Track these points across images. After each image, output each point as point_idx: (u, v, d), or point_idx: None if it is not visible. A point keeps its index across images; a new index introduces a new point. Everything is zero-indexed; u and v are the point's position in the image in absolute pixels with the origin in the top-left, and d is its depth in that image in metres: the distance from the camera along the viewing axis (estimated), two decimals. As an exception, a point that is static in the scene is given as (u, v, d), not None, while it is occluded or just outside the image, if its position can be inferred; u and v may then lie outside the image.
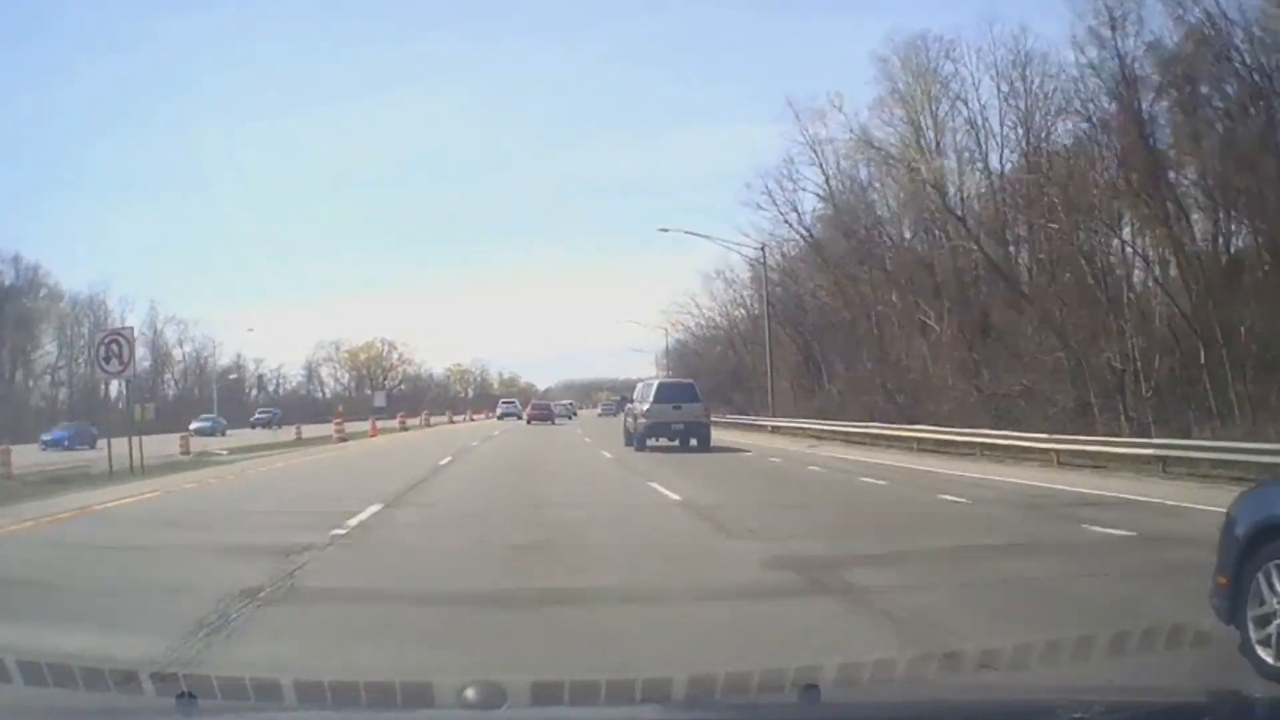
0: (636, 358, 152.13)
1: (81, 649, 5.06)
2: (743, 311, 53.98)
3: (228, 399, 72.92)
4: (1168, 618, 5.61)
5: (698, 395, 26.92)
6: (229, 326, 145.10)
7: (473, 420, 71.32)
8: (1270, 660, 4.58)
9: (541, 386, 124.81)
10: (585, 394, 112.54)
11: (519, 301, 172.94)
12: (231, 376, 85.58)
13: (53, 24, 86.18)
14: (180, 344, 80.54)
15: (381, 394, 74.41)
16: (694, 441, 25.28)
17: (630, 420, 27.78)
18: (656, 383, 28.60)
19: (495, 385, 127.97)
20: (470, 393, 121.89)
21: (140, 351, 67.60)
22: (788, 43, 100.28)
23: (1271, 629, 4.61)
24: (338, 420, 38.78)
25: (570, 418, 66.27)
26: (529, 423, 55.44)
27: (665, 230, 43.19)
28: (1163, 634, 5.04)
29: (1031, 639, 5.00)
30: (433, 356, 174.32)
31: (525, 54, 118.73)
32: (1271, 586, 4.69)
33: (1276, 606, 4.63)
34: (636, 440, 25.80)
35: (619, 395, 63.09)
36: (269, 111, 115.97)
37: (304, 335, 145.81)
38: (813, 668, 4.31)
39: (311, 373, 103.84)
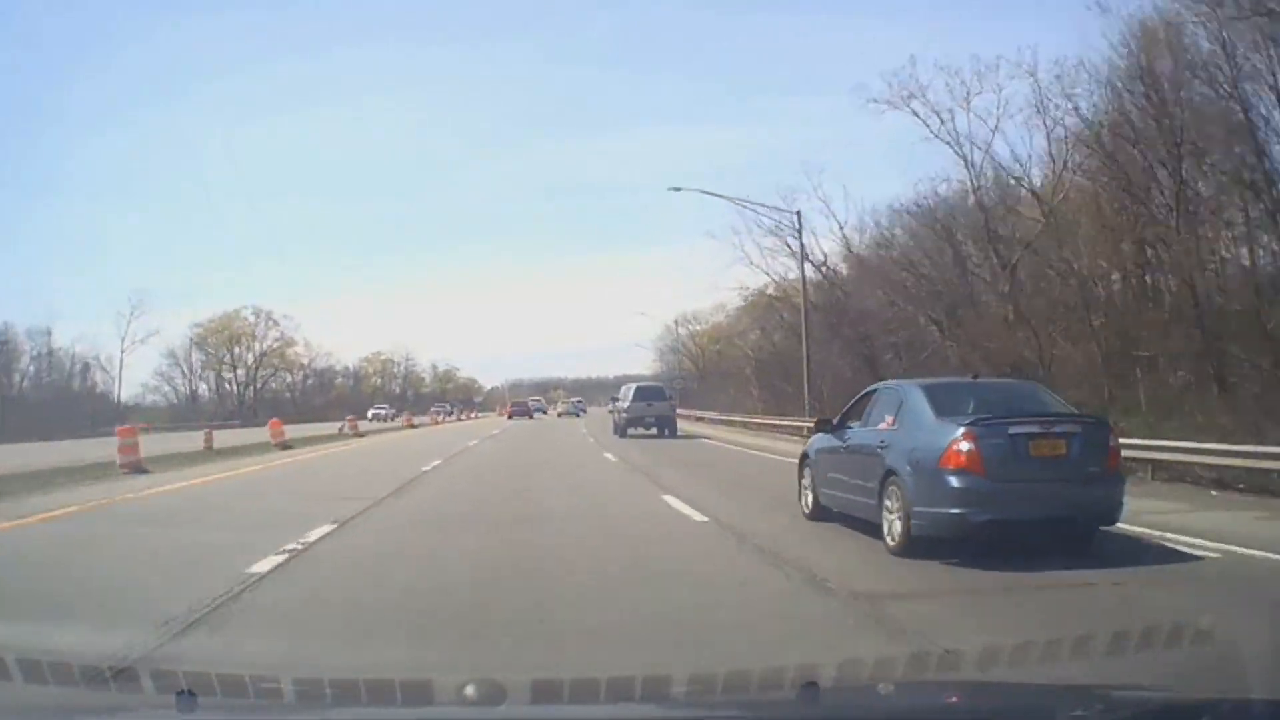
0: (588, 358, 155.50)
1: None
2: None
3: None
4: (779, 488, 12.68)
5: (666, 395, 35.85)
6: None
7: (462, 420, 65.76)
8: (805, 513, 10.70)
9: (488, 385, 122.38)
10: (541, 393, 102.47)
11: (463, 303, 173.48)
12: None
13: None
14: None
15: None
16: (667, 431, 33.20)
17: (615, 415, 36.36)
18: (635, 386, 36.46)
19: (428, 380, 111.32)
20: (397, 388, 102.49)
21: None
22: (744, 41, 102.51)
23: (801, 499, 10.89)
24: None
25: (578, 415, 66.41)
26: (509, 418, 62.16)
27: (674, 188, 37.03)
28: (1162, 633, 5.19)
29: (1003, 639, 5.39)
30: (346, 348, 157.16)
31: (463, 59, 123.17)
32: (802, 480, 10.92)
33: (804, 490, 10.81)
34: (619, 430, 33.72)
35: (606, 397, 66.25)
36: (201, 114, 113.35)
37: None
38: (812, 666, 4.40)
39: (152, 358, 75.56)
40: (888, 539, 8.53)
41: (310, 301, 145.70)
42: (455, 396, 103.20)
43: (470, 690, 3.28)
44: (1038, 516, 8.01)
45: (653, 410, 33.45)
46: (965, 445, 7.93)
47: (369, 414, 61.27)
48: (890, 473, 8.57)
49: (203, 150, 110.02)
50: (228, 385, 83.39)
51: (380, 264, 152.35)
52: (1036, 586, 7.11)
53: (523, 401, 73.33)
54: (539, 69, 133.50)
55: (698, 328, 69.97)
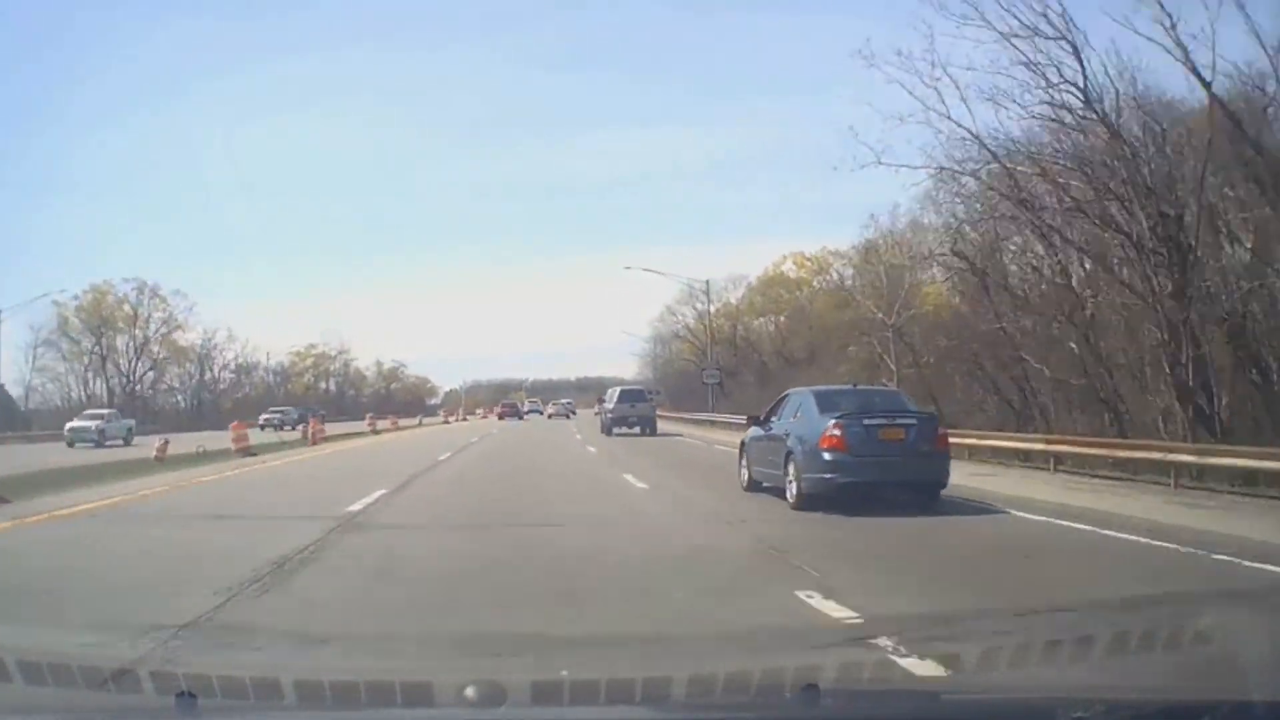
0: (558, 360, 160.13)
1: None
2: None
3: None
4: (719, 467, 17.88)
5: (647, 398, 40.21)
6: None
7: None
8: (743, 485, 14.38)
9: (445, 387, 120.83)
10: (501, 393, 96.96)
11: (431, 305, 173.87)
12: None
13: None
14: None
15: None
16: (647, 430, 36.92)
17: (602, 416, 40.32)
18: (619, 389, 40.56)
19: (370, 378, 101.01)
20: (331, 386, 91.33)
21: None
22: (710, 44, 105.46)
23: (740, 475, 14.66)
24: None
25: (568, 416, 66.89)
26: (500, 419, 63.86)
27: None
28: (1163, 634, 5.28)
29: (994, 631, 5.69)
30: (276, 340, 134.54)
31: (463, 59, 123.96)
32: (742, 462, 14.75)
33: (742, 469, 14.65)
34: (605, 429, 37.56)
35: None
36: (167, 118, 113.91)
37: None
38: (812, 667, 4.48)
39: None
40: (789, 498, 12.35)
41: (312, 303, 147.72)
42: (403, 397, 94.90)
43: (470, 691, 3.35)
44: (884, 480, 11.90)
45: (635, 411, 37.41)
46: (835, 431, 11.81)
47: (65, 428, 35.56)
48: (790, 452, 12.43)
49: (203, 150, 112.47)
50: (91, 381, 62.84)
51: (325, 265, 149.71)
52: (877, 527, 10.84)
53: (512, 402, 74.14)
54: (537, 69, 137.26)
55: (711, 305, 56.66)
